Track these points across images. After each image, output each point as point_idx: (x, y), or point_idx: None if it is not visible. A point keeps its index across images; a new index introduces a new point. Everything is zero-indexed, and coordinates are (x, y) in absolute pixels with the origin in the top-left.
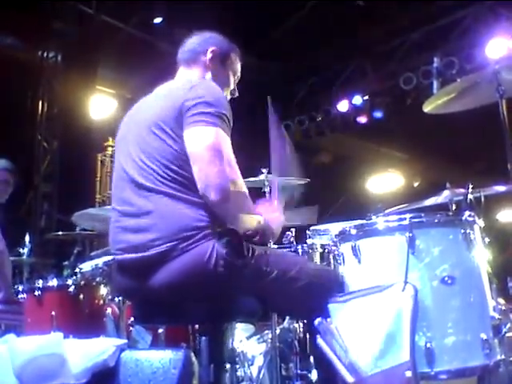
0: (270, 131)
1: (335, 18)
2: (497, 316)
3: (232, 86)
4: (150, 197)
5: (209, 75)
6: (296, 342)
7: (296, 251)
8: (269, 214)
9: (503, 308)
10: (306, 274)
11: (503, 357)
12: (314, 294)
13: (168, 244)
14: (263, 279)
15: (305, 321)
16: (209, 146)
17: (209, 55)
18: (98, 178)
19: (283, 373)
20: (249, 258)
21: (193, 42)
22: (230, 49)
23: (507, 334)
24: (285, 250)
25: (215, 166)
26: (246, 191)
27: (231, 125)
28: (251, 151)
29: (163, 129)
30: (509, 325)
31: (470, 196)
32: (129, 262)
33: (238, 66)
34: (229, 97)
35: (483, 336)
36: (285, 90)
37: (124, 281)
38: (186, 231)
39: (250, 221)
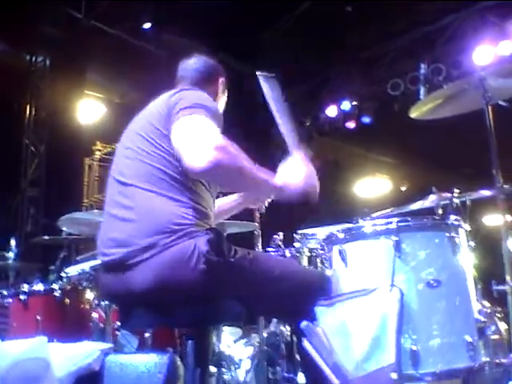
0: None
1: (324, 24)
2: (482, 319)
3: None
4: (135, 195)
5: None
6: (283, 346)
7: (283, 255)
8: (286, 171)
9: (488, 311)
10: (291, 276)
11: (488, 359)
12: (300, 295)
13: (149, 239)
14: (246, 279)
15: (291, 323)
16: (191, 128)
17: (221, 84)
18: (86, 183)
19: (270, 376)
20: (231, 257)
21: (202, 64)
22: (226, 81)
23: (492, 337)
24: (272, 253)
25: (196, 139)
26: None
27: (221, 123)
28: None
29: (152, 130)
30: (493, 327)
31: (455, 200)
32: (113, 260)
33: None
34: None
35: (468, 338)
36: None
37: (108, 280)
38: (169, 227)
39: (262, 183)
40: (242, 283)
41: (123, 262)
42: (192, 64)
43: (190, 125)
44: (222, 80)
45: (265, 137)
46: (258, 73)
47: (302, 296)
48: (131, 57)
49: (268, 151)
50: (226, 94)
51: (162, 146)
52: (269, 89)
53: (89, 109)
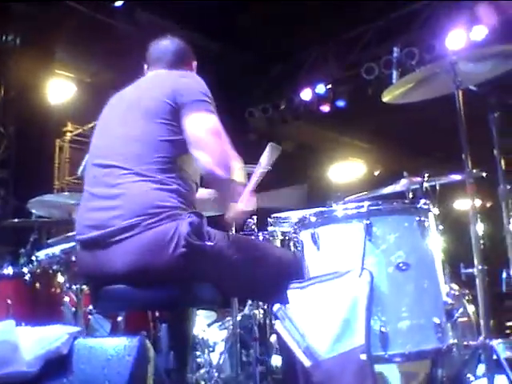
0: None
1: (298, 7)
2: (450, 301)
3: None
4: (118, 175)
5: None
6: (256, 328)
7: (257, 238)
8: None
9: (456, 293)
10: (267, 259)
11: (456, 341)
12: (275, 278)
13: (131, 220)
14: (224, 262)
15: (265, 305)
16: (213, 131)
17: (194, 68)
18: (57, 164)
19: (243, 358)
20: (210, 241)
21: (177, 46)
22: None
23: (459, 319)
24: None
25: (221, 148)
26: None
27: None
28: None
29: (149, 113)
30: (461, 309)
31: (425, 184)
32: (92, 238)
33: None
34: None
35: (436, 320)
36: (249, 77)
37: (85, 260)
38: (152, 209)
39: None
40: (220, 266)
41: (102, 241)
42: (166, 45)
43: (204, 126)
44: (195, 63)
45: (242, 115)
46: (270, 143)
47: (276, 278)
48: (102, 35)
49: (244, 132)
50: None
51: (157, 130)
52: (269, 157)
53: (59, 88)
